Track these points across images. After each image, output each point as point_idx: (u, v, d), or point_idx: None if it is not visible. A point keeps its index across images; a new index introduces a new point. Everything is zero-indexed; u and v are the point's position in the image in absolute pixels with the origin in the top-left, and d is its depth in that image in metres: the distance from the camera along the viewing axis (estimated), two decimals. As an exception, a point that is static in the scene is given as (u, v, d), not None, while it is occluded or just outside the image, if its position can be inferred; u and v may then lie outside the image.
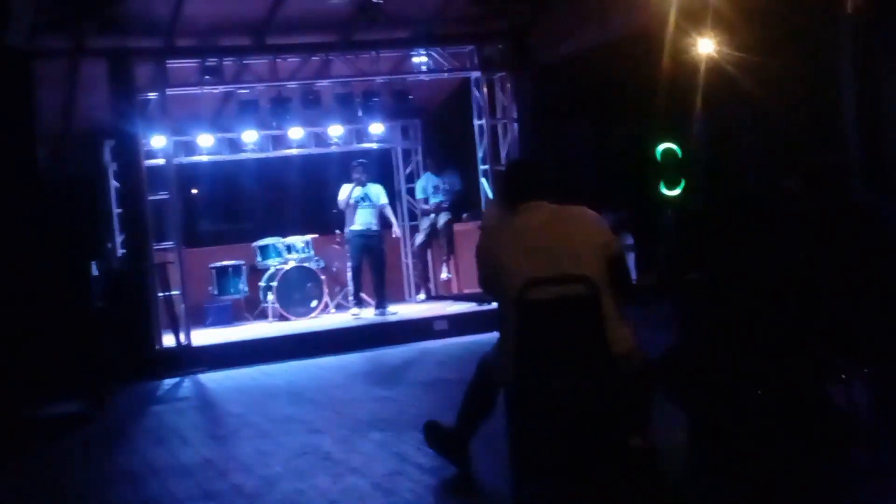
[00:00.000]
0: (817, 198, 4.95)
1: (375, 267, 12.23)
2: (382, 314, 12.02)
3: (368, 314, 12.13)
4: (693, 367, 4.63)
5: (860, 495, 4.15)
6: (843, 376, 4.60)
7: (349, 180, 12.32)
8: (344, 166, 12.90)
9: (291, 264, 12.87)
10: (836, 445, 4.59)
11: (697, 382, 4.62)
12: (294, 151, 13.88)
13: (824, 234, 4.82)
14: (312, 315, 12.66)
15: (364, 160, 12.53)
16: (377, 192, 12.36)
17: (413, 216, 14.59)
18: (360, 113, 12.70)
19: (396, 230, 13.02)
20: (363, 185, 12.24)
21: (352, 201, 12.16)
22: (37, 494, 5.76)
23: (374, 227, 12.26)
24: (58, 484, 5.94)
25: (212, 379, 9.76)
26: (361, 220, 12.19)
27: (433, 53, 12.16)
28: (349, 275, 12.83)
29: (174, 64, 11.05)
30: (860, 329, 4.60)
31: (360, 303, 12.29)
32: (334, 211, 12.51)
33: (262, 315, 13.12)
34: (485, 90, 12.24)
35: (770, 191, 5.47)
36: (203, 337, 11.42)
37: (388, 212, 12.60)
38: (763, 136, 8.97)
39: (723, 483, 4.42)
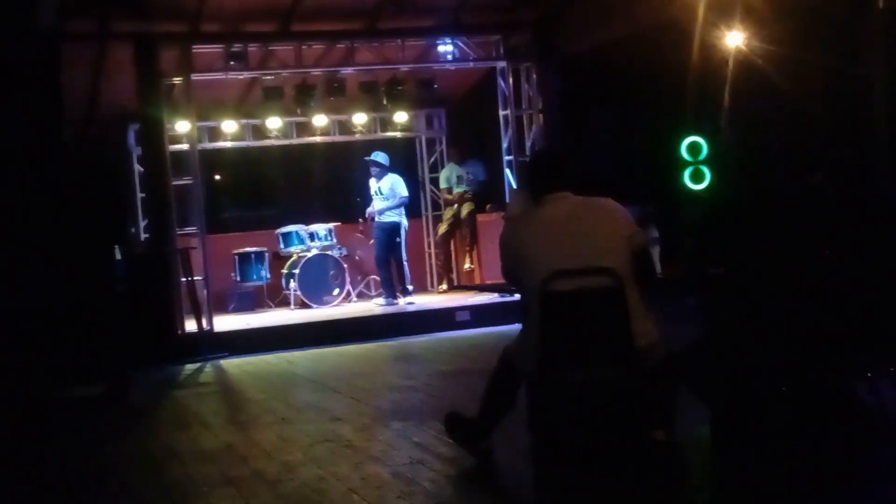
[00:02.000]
0: (845, 192, 4.90)
1: (394, 257, 12.39)
2: (406, 302, 12.14)
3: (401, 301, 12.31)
4: (717, 362, 4.59)
5: (885, 493, 4.11)
6: (870, 373, 4.56)
7: (362, 170, 12.44)
8: (367, 154, 12.87)
9: (314, 252, 12.88)
10: (861, 442, 4.55)
11: (721, 377, 4.58)
12: (318, 139, 13.88)
13: (851, 229, 4.77)
14: (334, 303, 12.67)
15: (369, 158, 12.54)
16: (387, 186, 12.38)
17: (436, 206, 14.57)
18: (384, 101, 12.67)
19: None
20: (378, 178, 12.39)
21: (371, 193, 12.35)
22: (59, 477, 5.78)
23: (385, 219, 12.30)
24: (80, 467, 5.96)
25: (233, 365, 9.78)
26: (379, 212, 12.36)
27: (459, 42, 12.11)
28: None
29: (200, 49, 11.06)
30: (887, 326, 4.55)
31: (389, 294, 12.32)
32: (357, 199, 12.51)
33: (284, 302, 13.15)
34: (510, 80, 12.18)
35: (797, 185, 5.41)
36: (225, 323, 11.45)
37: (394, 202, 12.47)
38: (792, 131, 8.89)
39: (746, 478, 4.38)
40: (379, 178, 12.39)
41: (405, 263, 12.56)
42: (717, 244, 4.79)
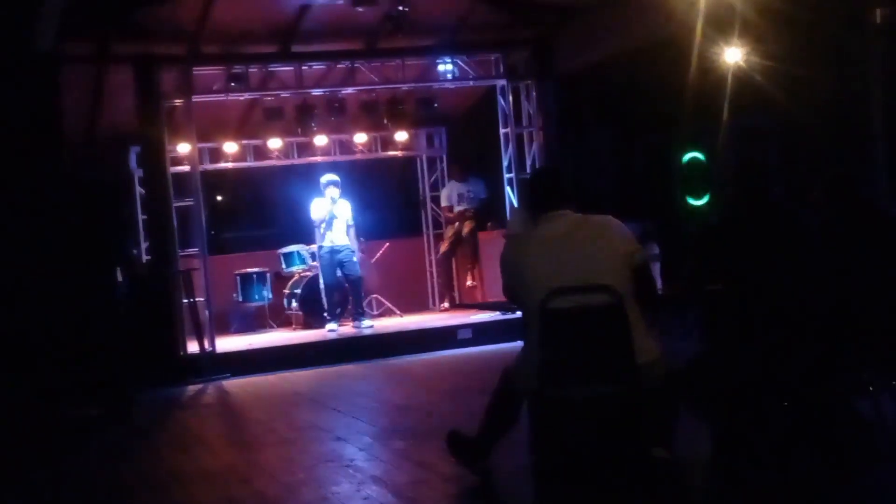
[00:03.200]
0: (843, 208, 4.91)
1: (350, 280, 12.06)
2: (359, 327, 11.90)
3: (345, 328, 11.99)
4: (717, 379, 4.59)
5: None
6: (871, 388, 4.55)
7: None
8: (369, 174, 12.87)
9: (315, 272, 12.87)
10: (863, 458, 4.53)
11: (721, 394, 4.58)
12: (319, 159, 13.90)
13: (850, 244, 4.77)
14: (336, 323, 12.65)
15: (337, 178, 12.08)
16: (346, 209, 12.09)
17: (437, 224, 14.58)
18: (385, 120, 12.70)
19: (357, 252, 12.48)
20: (334, 202, 11.91)
21: (326, 217, 11.90)
22: (61, 499, 5.77)
23: (345, 243, 12.01)
24: (81, 489, 5.95)
25: (235, 385, 9.78)
26: (332, 236, 11.94)
27: (458, 61, 12.16)
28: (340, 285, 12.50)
29: (200, 71, 11.10)
30: (888, 340, 4.54)
31: (334, 318, 12.06)
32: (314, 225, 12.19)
33: (286, 322, 13.14)
34: (510, 98, 12.22)
35: (795, 201, 5.42)
36: (227, 343, 11.45)
37: (352, 233, 12.21)
38: (790, 146, 8.90)
39: (746, 496, 4.37)
40: (335, 202, 11.93)
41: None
42: (716, 260, 4.79)
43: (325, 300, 12.13)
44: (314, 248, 13.09)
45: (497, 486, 5.01)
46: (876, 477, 4.45)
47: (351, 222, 12.15)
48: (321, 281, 12.17)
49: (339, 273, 12.01)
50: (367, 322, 11.99)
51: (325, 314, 12.06)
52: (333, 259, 11.95)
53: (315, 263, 12.99)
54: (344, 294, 12.27)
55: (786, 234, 4.78)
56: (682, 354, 4.76)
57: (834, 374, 4.54)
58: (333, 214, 11.89)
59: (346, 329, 11.95)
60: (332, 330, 11.86)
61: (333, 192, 11.88)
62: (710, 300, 4.81)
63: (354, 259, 12.05)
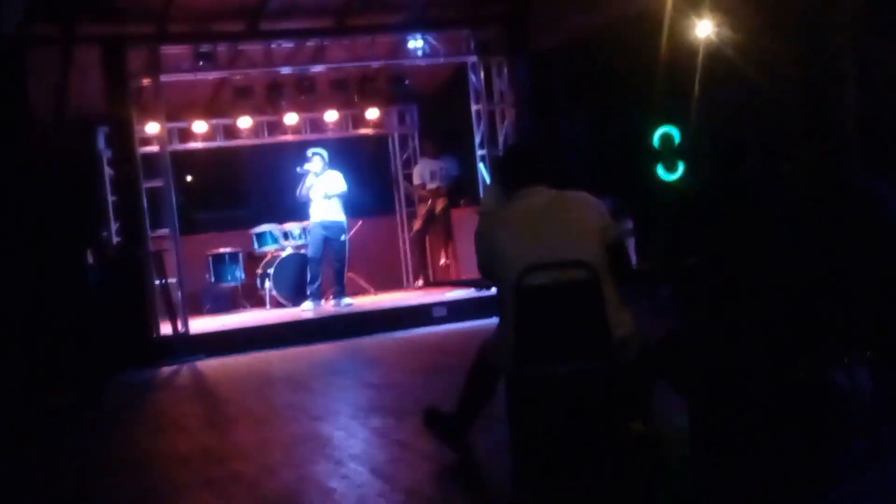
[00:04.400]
0: (816, 182, 4.92)
1: (334, 258, 11.98)
2: (339, 305, 11.87)
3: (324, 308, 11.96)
4: (693, 352, 4.60)
5: (863, 480, 4.13)
6: (846, 360, 4.58)
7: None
8: (341, 152, 12.80)
9: (289, 251, 12.83)
10: (839, 430, 4.57)
11: (697, 368, 4.59)
12: (290, 137, 13.80)
13: (824, 217, 4.79)
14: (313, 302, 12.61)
15: (320, 150, 12.04)
16: (334, 182, 11.97)
17: (410, 202, 14.54)
18: (355, 98, 12.62)
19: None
20: (316, 175, 11.84)
21: (302, 191, 11.82)
22: (35, 484, 5.73)
23: (336, 219, 11.95)
24: (56, 473, 5.91)
25: (210, 366, 9.73)
26: (321, 210, 11.89)
27: (429, 38, 12.09)
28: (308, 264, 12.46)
29: (168, 50, 10.98)
30: (862, 313, 4.57)
31: (316, 296, 11.97)
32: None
33: (260, 302, 13.09)
34: (482, 75, 12.18)
35: (768, 175, 5.43)
36: (200, 324, 11.39)
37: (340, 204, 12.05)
38: (762, 120, 8.92)
39: (724, 468, 4.40)
40: (319, 174, 11.89)
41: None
42: (691, 234, 4.80)
43: (309, 275, 12.10)
44: (287, 227, 13.05)
45: (475, 463, 5.01)
46: (852, 448, 4.48)
47: (338, 192, 11.93)
48: (308, 253, 12.11)
49: (323, 249, 11.94)
50: (346, 300, 11.97)
51: (307, 291, 12.03)
52: (321, 234, 11.89)
53: (288, 242, 12.94)
54: (320, 271, 12.19)
55: (759, 208, 4.79)
56: (657, 329, 4.76)
57: (809, 347, 4.56)
58: (315, 188, 11.79)
59: (324, 307, 11.91)
60: (307, 309, 11.81)
61: (317, 164, 11.82)
62: (685, 274, 4.82)
63: (342, 238, 11.99)
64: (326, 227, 11.84)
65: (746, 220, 4.68)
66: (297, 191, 11.92)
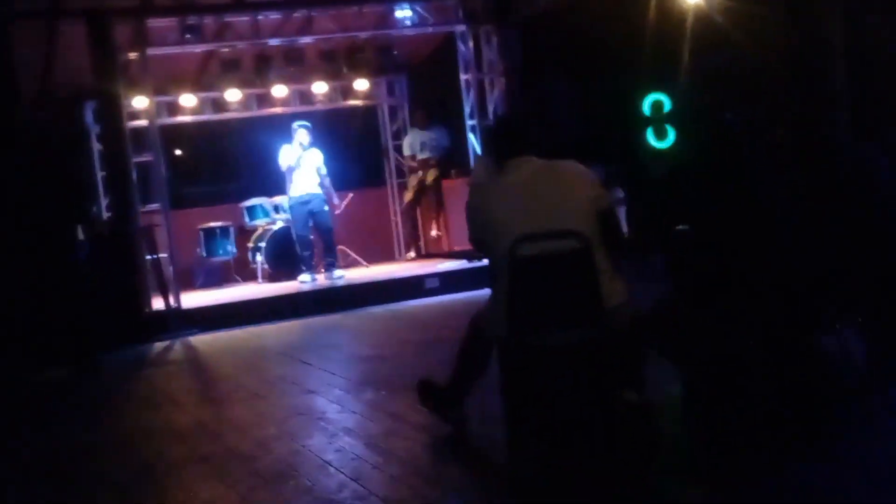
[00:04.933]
0: (805, 147, 4.91)
1: (322, 230, 11.96)
2: (331, 277, 11.85)
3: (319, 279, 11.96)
4: (684, 321, 4.61)
5: (854, 444, 4.15)
6: (836, 325, 4.59)
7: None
8: (330, 124, 12.74)
9: (279, 224, 12.81)
10: (830, 395, 4.59)
11: (688, 336, 4.60)
12: (279, 110, 13.73)
13: (813, 183, 4.78)
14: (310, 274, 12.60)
15: (308, 123, 11.96)
16: (317, 158, 11.91)
17: (401, 173, 14.51)
18: (344, 69, 12.55)
19: (336, 201, 12.35)
20: (304, 148, 11.75)
21: (294, 165, 11.72)
22: (29, 460, 5.73)
23: (316, 192, 11.87)
24: (50, 450, 5.91)
25: (202, 341, 9.73)
26: (303, 185, 11.82)
27: (417, 7, 12.01)
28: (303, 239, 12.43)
29: (154, 23, 10.89)
30: (852, 278, 4.58)
31: (309, 269, 11.99)
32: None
33: (252, 276, 13.08)
34: (470, 44, 12.12)
35: (758, 141, 5.42)
36: (192, 299, 11.37)
37: (327, 181, 12.03)
38: (751, 86, 8.89)
39: (717, 437, 4.41)
40: (305, 149, 11.78)
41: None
42: (678, 202, 4.79)
43: (299, 251, 12.06)
44: (277, 200, 13.01)
45: (469, 434, 5.03)
46: (843, 413, 4.50)
47: (324, 171, 11.97)
48: (293, 232, 12.08)
49: (310, 223, 11.91)
50: (338, 272, 11.95)
51: (303, 265, 11.98)
52: (304, 209, 11.83)
53: (279, 216, 12.91)
54: (311, 245, 12.18)
55: (747, 174, 4.79)
56: (649, 297, 4.77)
57: (799, 313, 4.57)
58: (300, 162, 11.71)
59: (318, 280, 11.91)
60: (305, 282, 11.81)
61: (303, 136, 11.70)
62: (676, 242, 4.81)
63: (325, 209, 11.95)
64: (309, 200, 11.79)
65: (734, 189, 4.68)
66: (283, 163, 11.83)
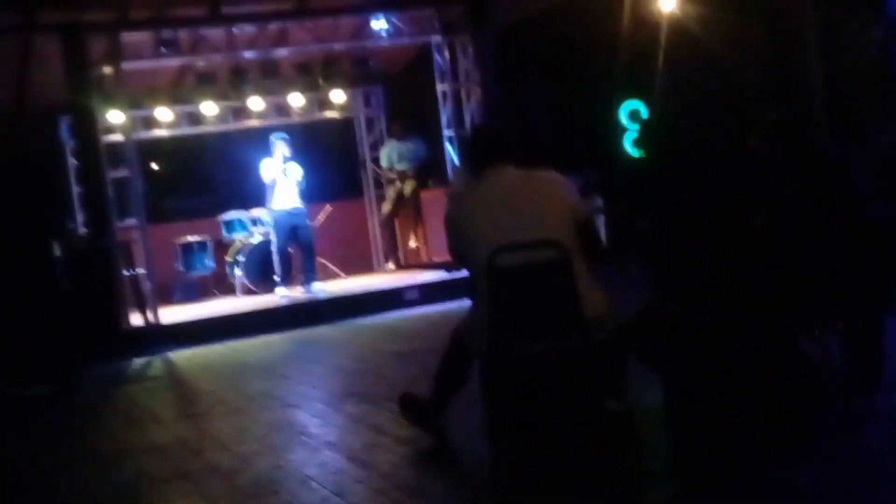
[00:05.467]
0: (781, 152, 4.93)
1: (303, 244, 11.90)
2: (310, 291, 11.81)
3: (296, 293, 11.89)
4: (664, 328, 4.61)
5: (836, 450, 4.16)
6: (816, 331, 4.60)
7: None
8: (307, 136, 12.70)
9: (258, 238, 12.76)
10: (811, 399, 4.60)
11: (669, 343, 4.60)
12: (255, 123, 13.69)
13: (790, 188, 4.80)
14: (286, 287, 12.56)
15: (285, 135, 11.84)
16: (297, 171, 11.78)
17: (379, 185, 14.49)
18: (320, 81, 12.53)
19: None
20: (286, 160, 11.64)
21: (279, 177, 11.63)
22: (7, 478, 5.67)
23: (299, 206, 11.81)
24: (28, 467, 5.85)
25: (182, 356, 9.67)
26: (285, 198, 11.73)
27: (392, 18, 12.00)
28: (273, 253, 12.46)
29: (129, 37, 10.84)
30: (832, 282, 4.59)
31: (287, 281, 11.94)
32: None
33: (230, 290, 13.02)
34: (446, 54, 12.13)
35: (733, 148, 5.45)
36: (171, 314, 11.30)
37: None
38: (726, 93, 8.94)
39: (699, 442, 4.42)
40: (286, 159, 11.66)
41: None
42: (640, 200, 4.81)
43: (277, 265, 12.01)
44: (256, 213, 12.96)
45: (452, 446, 5.01)
46: (824, 418, 4.52)
47: (302, 182, 11.84)
48: (274, 245, 12.03)
49: (290, 237, 11.85)
50: (318, 286, 11.91)
51: (277, 278, 11.93)
52: (288, 222, 11.78)
53: (257, 229, 12.86)
54: (289, 259, 12.14)
55: (723, 180, 4.81)
56: (629, 306, 4.77)
57: (780, 317, 4.58)
58: (285, 173, 11.63)
59: (296, 294, 11.86)
60: (284, 295, 11.77)
61: (283, 148, 11.66)
62: (639, 238, 4.83)
63: (308, 224, 11.92)
64: (293, 214, 11.76)
65: (708, 192, 4.69)
66: (266, 176, 11.76)
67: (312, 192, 12.17)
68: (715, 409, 4.53)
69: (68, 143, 12.65)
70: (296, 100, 13.32)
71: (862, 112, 8.22)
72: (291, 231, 11.78)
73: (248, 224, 13.02)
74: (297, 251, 12.06)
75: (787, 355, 4.58)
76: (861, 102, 8.22)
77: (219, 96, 12.76)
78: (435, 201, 12.30)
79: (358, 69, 12.50)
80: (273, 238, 12.07)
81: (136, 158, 11.06)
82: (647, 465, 4.42)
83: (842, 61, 8.23)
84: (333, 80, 12.61)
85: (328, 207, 13.06)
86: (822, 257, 4.56)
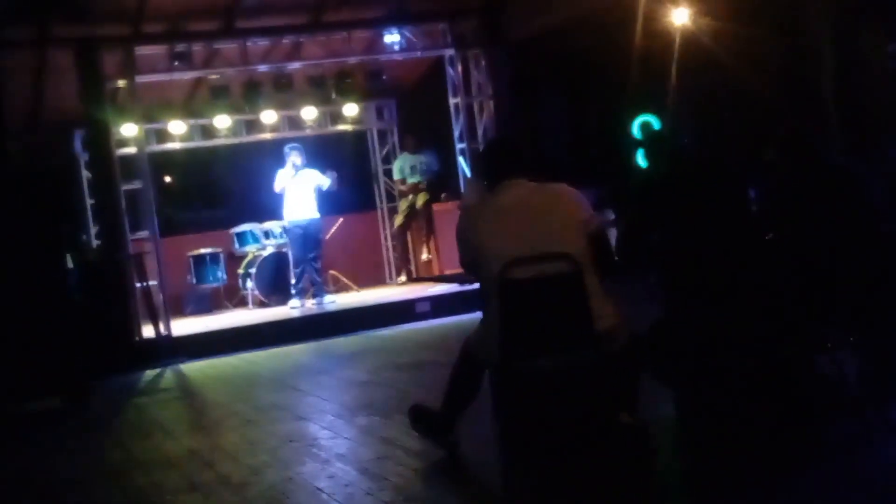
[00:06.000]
0: (796, 167, 4.91)
1: (313, 255, 11.92)
2: (321, 304, 11.83)
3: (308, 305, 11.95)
4: (677, 342, 4.59)
5: (849, 465, 4.13)
6: (829, 345, 4.58)
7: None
8: (320, 149, 12.73)
9: (269, 250, 12.78)
10: (823, 415, 4.57)
11: (681, 357, 4.58)
12: (268, 136, 13.74)
13: (805, 201, 4.78)
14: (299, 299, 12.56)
15: (298, 145, 11.98)
16: (314, 178, 11.87)
17: (391, 197, 14.51)
18: (333, 95, 12.57)
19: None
20: (297, 169, 11.73)
21: (287, 187, 11.73)
22: (19, 491, 5.68)
23: (314, 217, 11.88)
24: (40, 480, 5.86)
25: (193, 368, 9.68)
26: (298, 208, 11.80)
27: (406, 32, 12.04)
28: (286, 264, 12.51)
29: (143, 51, 10.90)
30: (846, 297, 4.57)
31: (300, 293, 12.00)
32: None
33: (242, 302, 13.04)
34: (459, 68, 12.16)
35: (748, 162, 5.44)
36: (183, 326, 11.33)
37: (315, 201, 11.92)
38: (740, 107, 8.93)
39: (712, 455, 4.40)
40: (297, 171, 11.77)
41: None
42: (649, 213, 4.80)
43: (293, 276, 12.04)
44: (267, 226, 12.99)
45: (463, 459, 5.00)
46: (836, 432, 4.49)
47: (325, 186, 11.86)
48: (291, 255, 12.07)
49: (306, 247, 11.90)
50: (329, 297, 11.93)
51: (293, 290, 11.97)
52: (300, 233, 11.81)
53: (269, 242, 12.88)
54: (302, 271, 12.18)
55: (739, 194, 4.80)
56: (643, 319, 4.76)
57: (792, 332, 4.56)
58: (294, 184, 11.69)
59: (308, 306, 11.88)
60: (295, 307, 11.79)
61: (295, 158, 11.70)
62: (647, 251, 4.81)
63: (320, 237, 11.97)
64: (304, 225, 11.80)
65: (703, 200, 4.67)
66: (276, 185, 11.82)
67: (325, 205, 12.20)
68: (727, 422, 4.51)
69: (82, 156, 12.72)
70: (309, 113, 13.38)
71: (876, 126, 8.19)
72: (304, 241, 11.82)
73: (261, 236, 13.04)
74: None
75: (800, 369, 4.56)
76: (875, 117, 8.19)
77: (232, 109, 12.82)
78: (447, 214, 12.30)
79: (371, 82, 12.53)
80: (290, 250, 12.11)
81: (150, 171, 11.12)
82: (660, 478, 4.39)
83: (856, 75, 8.21)
84: (346, 94, 12.64)
85: (340, 220, 13.07)
86: (835, 271, 4.54)
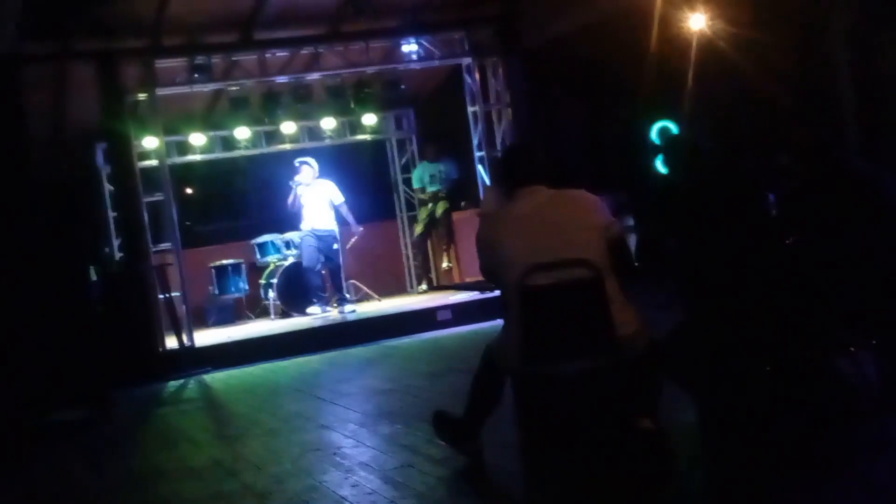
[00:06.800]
0: (813, 172, 4.91)
1: (329, 267, 12.07)
2: (343, 313, 11.89)
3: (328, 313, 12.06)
4: (697, 347, 4.59)
5: (870, 468, 4.12)
6: (851, 349, 4.57)
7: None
8: (340, 159, 12.79)
9: (290, 260, 12.83)
10: (845, 419, 4.56)
11: (702, 362, 4.58)
12: (288, 146, 13.80)
13: (823, 207, 4.78)
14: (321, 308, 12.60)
15: (308, 159, 12.19)
16: (327, 191, 12.09)
17: (411, 206, 14.54)
18: (352, 104, 12.63)
19: (355, 227, 12.38)
20: (297, 184, 11.96)
21: (291, 199, 11.97)
22: (44, 502, 5.72)
23: (327, 227, 12.03)
24: (65, 491, 5.91)
25: (217, 379, 9.73)
26: (314, 218, 12.01)
27: (423, 41, 12.07)
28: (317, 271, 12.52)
29: (163, 64, 10.98)
30: (866, 300, 4.56)
31: (323, 301, 12.15)
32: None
33: (264, 312, 13.09)
34: (477, 76, 12.17)
35: (765, 167, 5.44)
36: (206, 337, 11.39)
37: (344, 209, 12.17)
38: (757, 111, 8.91)
39: (733, 461, 4.39)
40: (309, 184, 11.99)
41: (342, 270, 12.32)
42: (667, 219, 4.80)
43: (310, 284, 12.13)
44: (288, 236, 13.06)
45: (486, 466, 5.00)
46: (859, 436, 4.47)
47: (339, 200, 12.05)
48: (302, 265, 12.16)
49: (320, 258, 11.99)
50: (349, 307, 11.99)
51: (313, 299, 12.10)
52: (314, 243, 11.90)
53: (290, 252, 12.95)
54: (320, 278, 12.27)
55: (756, 199, 4.80)
56: (663, 325, 4.76)
57: (815, 335, 4.55)
58: (303, 198, 11.88)
59: (330, 315, 11.93)
60: (314, 314, 11.85)
61: (303, 176, 11.93)
62: (665, 258, 4.81)
63: (335, 246, 12.02)
64: (318, 236, 11.92)
65: (742, 212, 4.68)
66: (288, 203, 11.98)
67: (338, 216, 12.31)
68: (748, 427, 4.50)
69: (104, 169, 12.81)
70: (328, 123, 13.44)
71: (894, 132, 8.16)
72: (318, 252, 11.91)
73: (282, 247, 13.10)
74: (328, 273, 12.17)
75: (821, 372, 4.55)
76: (893, 122, 8.16)
77: (252, 121, 12.91)
78: (467, 222, 12.33)
79: (389, 92, 12.57)
80: (302, 258, 12.22)
81: (171, 183, 11.18)
82: (680, 484, 4.39)
83: (873, 81, 8.18)
84: (365, 104, 12.69)
85: (360, 229, 13.11)
86: (855, 275, 4.53)
